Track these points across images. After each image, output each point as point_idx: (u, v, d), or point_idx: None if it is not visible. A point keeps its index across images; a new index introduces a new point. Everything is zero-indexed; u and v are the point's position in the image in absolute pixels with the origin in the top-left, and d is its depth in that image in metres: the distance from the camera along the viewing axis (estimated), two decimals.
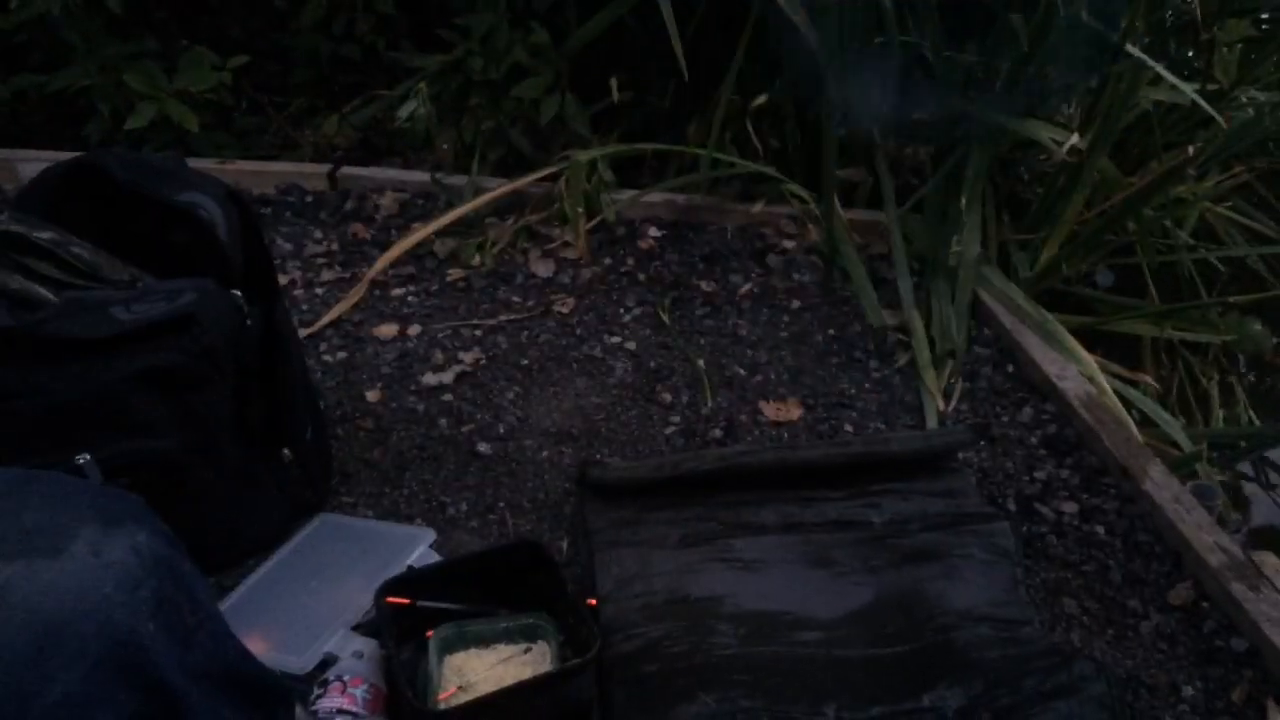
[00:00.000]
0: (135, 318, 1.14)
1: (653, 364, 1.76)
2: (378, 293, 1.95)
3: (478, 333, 1.84)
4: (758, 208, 2.14)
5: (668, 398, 1.68)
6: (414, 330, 1.84)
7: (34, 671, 0.68)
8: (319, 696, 1.09)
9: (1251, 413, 2.05)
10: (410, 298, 1.94)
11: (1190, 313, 2.06)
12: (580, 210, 2.04)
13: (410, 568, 1.29)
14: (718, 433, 1.61)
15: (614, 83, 2.10)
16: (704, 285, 1.98)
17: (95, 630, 0.71)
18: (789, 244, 2.08)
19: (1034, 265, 1.98)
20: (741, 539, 1.33)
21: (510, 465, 1.54)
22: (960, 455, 1.51)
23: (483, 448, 1.57)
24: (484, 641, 1.18)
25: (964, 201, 1.90)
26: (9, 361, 1.12)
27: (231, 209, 1.28)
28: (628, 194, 2.16)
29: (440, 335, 1.83)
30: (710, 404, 1.67)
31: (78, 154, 1.29)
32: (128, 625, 0.73)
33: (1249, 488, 1.92)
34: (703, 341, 1.82)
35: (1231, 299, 2.04)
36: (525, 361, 1.77)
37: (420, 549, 1.33)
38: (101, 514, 0.76)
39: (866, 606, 1.25)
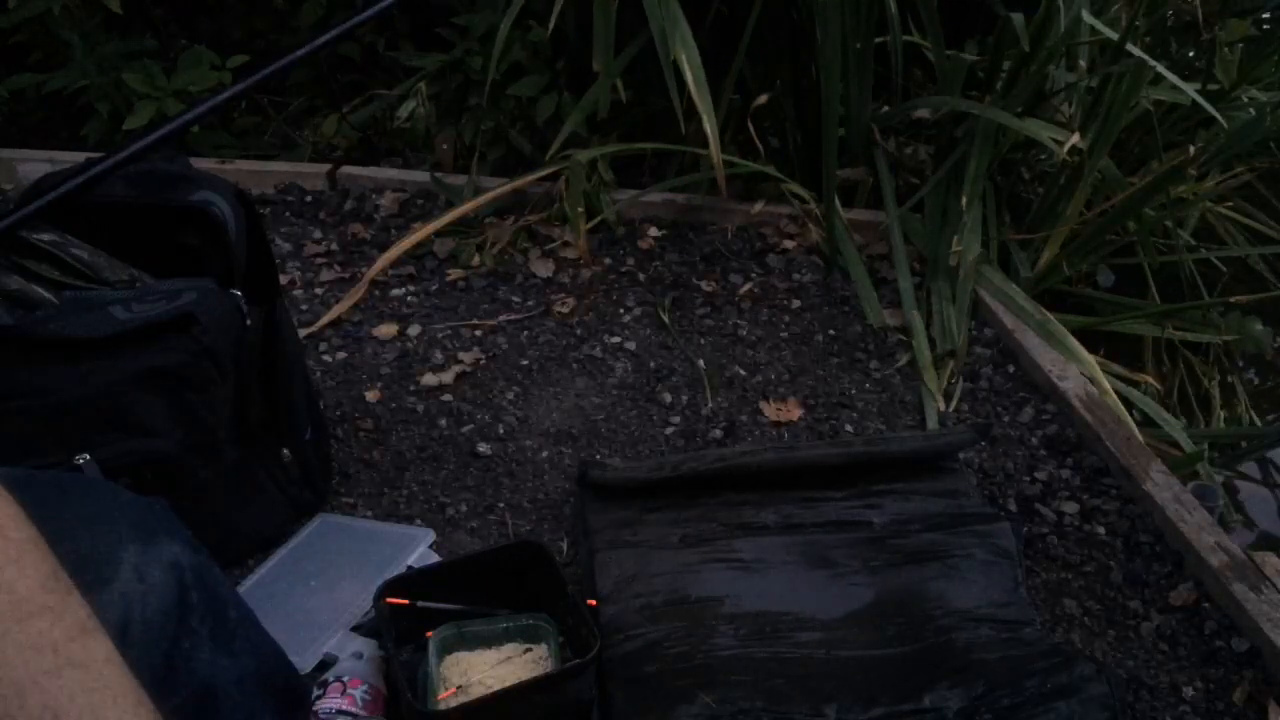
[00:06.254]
0: (135, 317, 1.14)
1: (653, 364, 1.76)
2: (377, 293, 1.95)
3: (477, 333, 1.84)
4: (758, 208, 2.14)
5: (668, 398, 1.68)
6: (414, 330, 1.84)
7: None
8: (319, 697, 1.09)
9: (1253, 413, 2.05)
10: (410, 298, 1.94)
11: (1191, 313, 2.06)
12: (580, 210, 2.03)
13: (410, 568, 1.29)
14: (718, 433, 1.61)
15: (618, 82, 2.09)
16: (704, 285, 1.97)
17: (140, 655, 0.70)
18: (789, 244, 2.08)
19: (1034, 265, 1.98)
20: (742, 539, 1.32)
21: (510, 465, 1.54)
22: (961, 455, 1.51)
23: (483, 448, 1.57)
24: (484, 642, 1.18)
25: (964, 201, 1.90)
26: (8, 362, 1.11)
27: (239, 208, 1.28)
28: (628, 194, 2.16)
29: (440, 335, 1.83)
30: (710, 404, 1.67)
31: (78, 161, 1.27)
32: (173, 640, 0.74)
33: (1250, 488, 1.92)
34: (703, 341, 1.82)
35: (1233, 299, 2.04)
36: (525, 361, 1.76)
37: (420, 549, 1.33)
38: (137, 530, 0.76)
39: (867, 607, 1.25)
